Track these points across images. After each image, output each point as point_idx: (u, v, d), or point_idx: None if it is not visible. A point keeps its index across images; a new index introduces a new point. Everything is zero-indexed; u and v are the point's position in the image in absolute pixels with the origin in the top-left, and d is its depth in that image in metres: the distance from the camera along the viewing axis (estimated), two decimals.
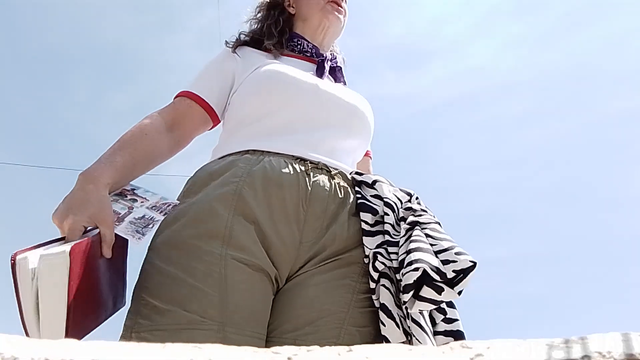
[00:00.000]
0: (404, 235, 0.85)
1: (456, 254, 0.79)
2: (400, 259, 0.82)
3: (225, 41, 1.22)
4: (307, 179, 0.94)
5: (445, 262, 0.78)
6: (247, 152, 0.98)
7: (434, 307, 0.79)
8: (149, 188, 0.98)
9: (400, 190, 0.98)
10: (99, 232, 0.83)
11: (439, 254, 0.80)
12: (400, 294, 0.79)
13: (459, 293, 0.78)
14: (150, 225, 0.89)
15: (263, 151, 0.98)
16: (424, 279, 0.78)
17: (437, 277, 0.77)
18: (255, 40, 1.22)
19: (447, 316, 0.85)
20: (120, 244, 0.88)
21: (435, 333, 0.84)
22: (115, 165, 0.92)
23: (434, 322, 0.85)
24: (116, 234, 0.85)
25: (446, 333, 0.84)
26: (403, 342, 0.80)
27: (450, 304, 0.87)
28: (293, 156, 0.97)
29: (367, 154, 1.29)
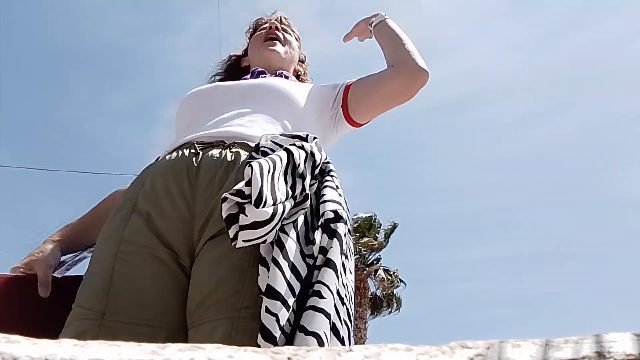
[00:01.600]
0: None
1: (248, 166, 0.74)
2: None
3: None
4: (194, 157, 0.96)
5: (247, 182, 0.73)
6: (158, 159, 1.09)
7: (257, 233, 0.73)
8: None
9: (287, 135, 0.95)
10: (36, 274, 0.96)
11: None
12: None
13: (257, 205, 0.72)
14: (80, 261, 1.06)
15: (167, 153, 1.06)
16: (241, 208, 0.73)
17: (237, 199, 0.72)
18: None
19: (325, 247, 0.78)
20: (74, 289, 0.95)
21: (315, 267, 0.78)
22: (72, 224, 1.09)
23: (314, 258, 0.79)
24: (67, 280, 0.98)
25: (319, 267, 0.77)
26: (268, 285, 0.73)
27: (332, 233, 0.79)
28: (185, 144, 1.02)
29: (347, 86, 1.22)
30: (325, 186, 0.88)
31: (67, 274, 1.03)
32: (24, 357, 0.33)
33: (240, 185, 0.73)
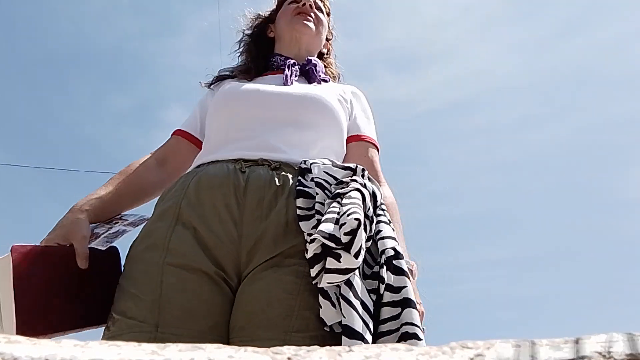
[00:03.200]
0: (326, 212, 0.83)
1: (347, 215, 0.76)
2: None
3: (200, 82, 1.32)
4: (241, 175, 0.96)
5: (341, 227, 0.76)
6: (195, 169, 1.06)
7: (343, 277, 0.76)
8: (138, 213, 1.12)
9: (339, 167, 0.95)
10: (73, 246, 0.95)
11: (340, 219, 0.78)
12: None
13: (356, 256, 0.75)
14: (119, 236, 1.02)
15: (208, 162, 1.04)
16: (327, 250, 0.76)
17: (332, 245, 0.75)
18: (235, 71, 1.29)
19: (393, 285, 0.81)
20: (109, 262, 0.99)
21: (383, 304, 0.80)
22: (96, 195, 1.06)
23: (379, 294, 0.81)
24: (99, 254, 0.97)
25: (393, 304, 0.80)
26: (339, 322, 0.77)
27: (398, 271, 0.82)
28: (232, 159, 1.01)
29: (360, 139, 1.18)
30: (380, 221, 0.90)
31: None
32: (24, 357, 0.33)
33: (330, 229, 0.76)
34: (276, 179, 0.95)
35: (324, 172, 0.93)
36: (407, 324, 0.77)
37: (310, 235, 0.82)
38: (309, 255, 0.78)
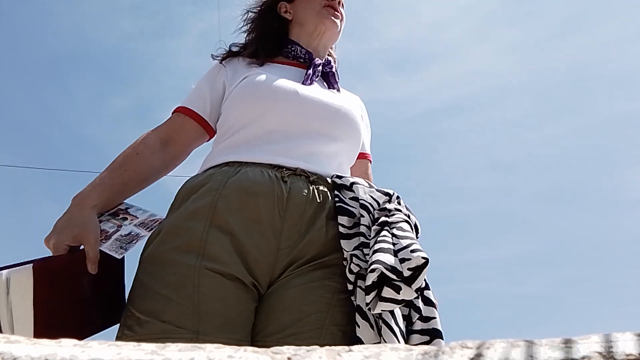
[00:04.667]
0: (373, 237, 0.86)
1: (411, 251, 0.79)
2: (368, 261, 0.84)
3: (212, 55, 1.23)
4: (283, 186, 0.95)
5: (402, 261, 0.79)
6: (226, 164, 1.01)
7: (397, 306, 0.80)
8: (142, 206, 1.05)
9: (378, 191, 0.98)
10: (75, 254, 0.89)
11: (398, 252, 0.81)
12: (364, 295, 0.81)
13: (417, 291, 0.79)
14: (135, 241, 0.95)
15: (241, 162, 0.99)
16: (385, 279, 0.79)
17: (393, 277, 0.78)
18: (246, 49, 1.22)
19: (423, 314, 0.85)
20: (113, 262, 0.93)
21: (412, 332, 0.84)
22: (104, 186, 0.98)
23: (410, 321, 0.85)
24: (103, 252, 0.91)
25: (422, 332, 0.84)
26: (377, 343, 0.79)
27: (428, 302, 0.87)
28: (270, 164, 0.98)
29: (364, 157, 1.26)
30: None
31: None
32: (24, 357, 0.33)
33: (392, 261, 0.79)
34: (317, 195, 0.96)
35: (369, 195, 0.95)
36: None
37: (354, 255, 0.86)
38: (367, 282, 0.79)
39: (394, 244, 0.82)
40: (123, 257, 0.93)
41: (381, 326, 0.80)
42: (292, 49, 1.21)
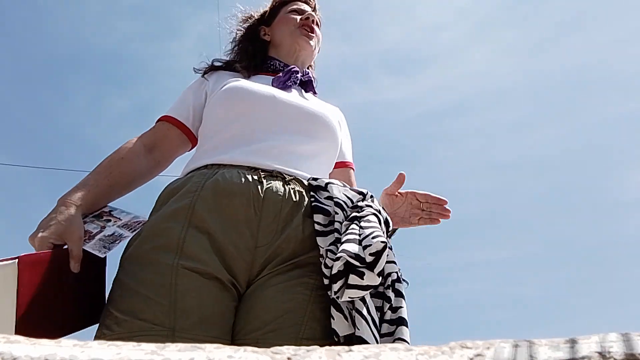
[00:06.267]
0: (344, 231, 0.89)
1: (372, 237, 0.83)
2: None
3: (194, 68, 1.29)
4: (259, 186, 0.97)
5: (364, 248, 0.82)
6: (204, 167, 1.03)
7: (363, 292, 0.82)
8: (125, 209, 1.06)
9: (352, 190, 1.01)
10: (60, 251, 0.90)
11: (362, 241, 0.84)
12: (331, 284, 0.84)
13: (379, 275, 0.83)
14: (117, 241, 0.96)
15: (219, 164, 1.02)
16: (351, 268, 0.82)
17: (357, 263, 0.81)
18: (229, 64, 1.29)
19: (393, 305, 0.88)
20: (95, 262, 0.94)
21: (383, 321, 0.87)
22: (89, 187, 1.00)
23: (382, 311, 0.88)
24: (85, 251, 0.92)
25: (391, 321, 0.87)
26: (350, 334, 0.83)
27: (398, 293, 0.90)
28: (247, 166, 1.01)
29: (347, 165, 1.30)
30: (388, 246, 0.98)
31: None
32: (23, 357, 0.33)
33: (356, 249, 0.82)
34: (292, 195, 0.98)
35: (343, 194, 0.98)
36: (399, 339, 0.85)
37: (330, 251, 0.89)
38: (333, 271, 0.82)
39: (359, 235, 0.86)
40: (105, 258, 0.95)
41: (355, 316, 0.82)
42: (272, 63, 1.28)
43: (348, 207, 0.96)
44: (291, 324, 0.87)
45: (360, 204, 0.96)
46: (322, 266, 0.89)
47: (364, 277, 0.81)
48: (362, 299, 0.84)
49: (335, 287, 0.82)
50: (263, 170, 1.00)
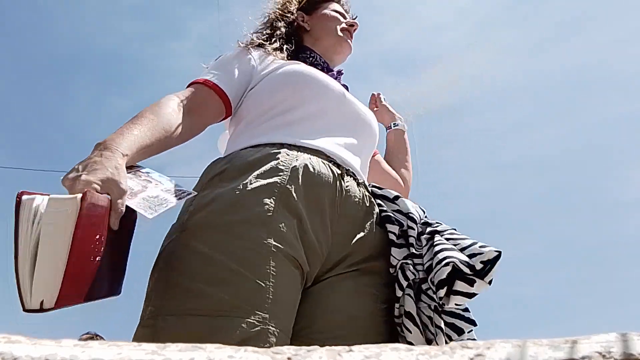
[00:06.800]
0: (425, 245, 0.91)
1: (480, 247, 0.84)
2: (426, 265, 0.87)
3: (238, 41, 1.23)
4: (342, 182, 0.96)
5: (471, 256, 0.83)
6: (282, 145, 0.97)
7: (469, 299, 0.84)
8: (162, 174, 0.93)
9: (418, 206, 1.03)
10: (109, 201, 0.76)
11: (463, 250, 0.85)
12: (435, 291, 0.84)
13: (490, 283, 0.84)
14: (164, 205, 0.82)
15: (299, 147, 0.98)
16: (455, 274, 0.83)
17: (467, 270, 0.81)
18: (270, 44, 1.22)
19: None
20: (130, 223, 0.83)
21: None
22: (134, 138, 0.87)
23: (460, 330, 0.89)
24: (128, 208, 0.79)
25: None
26: None
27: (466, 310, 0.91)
28: (329, 157, 0.99)
29: (376, 153, 1.33)
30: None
31: None
32: (24, 357, 0.33)
33: (464, 258, 0.83)
34: (365, 199, 0.99)
35: (415, 210, 0.99)
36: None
37: (405, 264, 0.91)
38: (441, 277, 0.82)
39: (454, 245, 0.87)
40: (134, 225, 0.84)
41: (434, 331, 0.85)
42: (312, 55, 1.24)
43: (418, 224, 0.96)
44: (359, 333, 0.87)
45: (429, 221, 0.97)
46: (400, 277, 0.89)
47: (474, 285, 0.83)
48: (437, 312, 0.87)
49: (441, 292, 0.83)
50: (341, 166, 0.99)
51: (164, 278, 0.82)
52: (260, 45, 1.21)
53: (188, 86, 1.09)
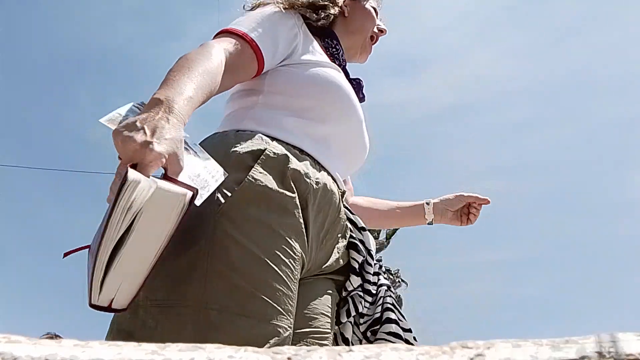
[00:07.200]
0: (381, 294, 1.03)
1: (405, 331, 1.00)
2: (375, 316, 1.01)
3: (276, 2, 1.07)
4: (342, 203, 1.01)
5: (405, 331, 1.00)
6: (309, 155, 0.96)
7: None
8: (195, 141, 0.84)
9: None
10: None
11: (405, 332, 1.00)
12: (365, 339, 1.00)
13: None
14: (207, 190, 0.74)
15: (315, 159, 0.97)
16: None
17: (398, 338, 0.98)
18: (310, 13, 1.11)
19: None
20: None
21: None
22: (192, 103, 0.78)
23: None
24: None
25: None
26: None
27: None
28: (332, 176, 1.01)
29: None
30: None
31: None
32: (24, 357, 0.33)
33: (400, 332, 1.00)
34: (346, 223, 1.02)
35: (374, 247, 1.06)
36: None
37: (358, 294, 1.01)
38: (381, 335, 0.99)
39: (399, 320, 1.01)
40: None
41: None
42: (337, 48, 1.14)
43: (373, 261, 1.03)
44: (327, 329, 0.95)
45: (378, 268, 1.04)
46: (351, 306, 1.00)
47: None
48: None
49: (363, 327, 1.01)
50: (340, 187, 1.03)
51: (208, 268, 0.77)
52: (306, 19, 1.10)
53: (230, 34, 0.97)
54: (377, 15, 1.24)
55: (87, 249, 0.69)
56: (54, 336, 2.54)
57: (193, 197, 0.66)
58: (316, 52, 1.06)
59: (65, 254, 0.70)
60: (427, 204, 1.35)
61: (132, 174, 0.61)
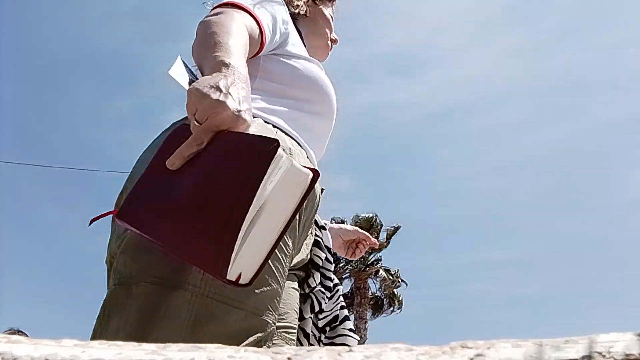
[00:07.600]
0: (336, 291, 1.10)
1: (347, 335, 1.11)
2: (333, 314, 1.10)
3: None
4: (318, 199, 1.02)
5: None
6: (298, 143, 0.95)
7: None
8: None
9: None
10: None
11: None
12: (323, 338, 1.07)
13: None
14: None
15: (306, 151, 0.97)
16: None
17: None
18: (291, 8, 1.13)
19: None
20: None
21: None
22: (242, 67, 0.77)
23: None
24: None
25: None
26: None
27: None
28: (316, 171, 1.01)
29: None
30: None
31: None
32: (24, 357, 0.33)
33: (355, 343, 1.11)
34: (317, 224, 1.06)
35: (330, 244, 1.08)
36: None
37: (320, 290, 1.06)
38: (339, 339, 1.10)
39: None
40: None
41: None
42: (304, 45, 1.14)
43: (331, 262, 1.06)
44: (296, 323, 0.99)
45: (332, 273, 1.08)
46: (314, 302, 1.03)
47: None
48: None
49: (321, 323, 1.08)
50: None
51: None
52: (293, 16, 1.12)
53: (241, 9, 0.93)
54: (332, 23, 1.28)
55: (112, 215, 0.67)
56: (16, 332, 2.50)
57: (314, 179, 0.66)
58: (301, 45, 1.08)
59: (92, 220, 0.68)
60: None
61: (279, 148, 0.61)
